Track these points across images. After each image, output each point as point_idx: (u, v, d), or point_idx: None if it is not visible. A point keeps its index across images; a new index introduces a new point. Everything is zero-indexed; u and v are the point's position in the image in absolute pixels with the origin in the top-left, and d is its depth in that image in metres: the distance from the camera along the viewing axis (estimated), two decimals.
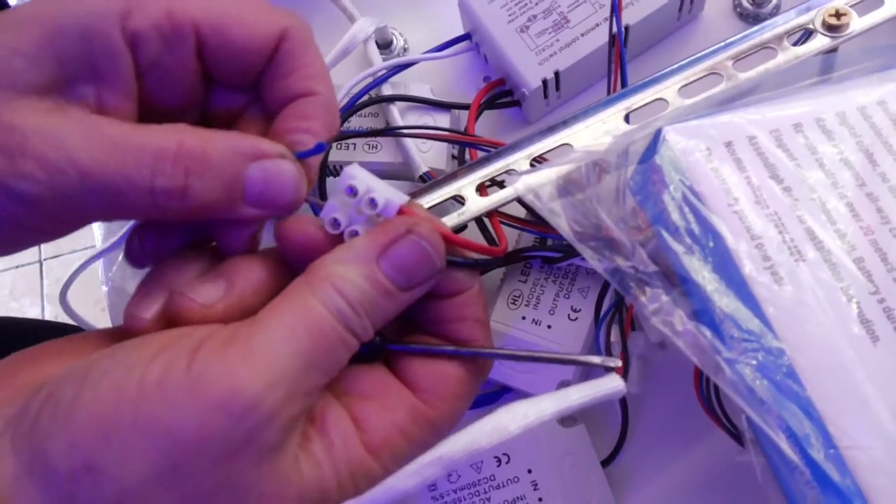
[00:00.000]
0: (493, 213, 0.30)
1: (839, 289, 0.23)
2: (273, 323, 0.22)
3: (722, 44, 0.32)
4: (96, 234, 0.43)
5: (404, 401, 0.24)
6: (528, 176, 0.27)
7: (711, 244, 0.24)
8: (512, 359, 0.27)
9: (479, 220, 0.31)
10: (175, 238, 0.26)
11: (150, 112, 0.25)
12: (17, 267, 1.35)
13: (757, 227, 0.24)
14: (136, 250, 0.26)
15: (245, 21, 0.25)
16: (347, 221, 0.25)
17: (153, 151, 0.22)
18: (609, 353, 0.30)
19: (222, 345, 0.21)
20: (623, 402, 0.32)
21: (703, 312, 0.24)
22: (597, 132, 0.31)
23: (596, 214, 0.26)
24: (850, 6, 0.32)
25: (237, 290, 0.24)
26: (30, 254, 1.35)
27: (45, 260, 1.35)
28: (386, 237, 0.24)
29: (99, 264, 0.42)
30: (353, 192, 0.25)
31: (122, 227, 0.39)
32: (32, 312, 1.30)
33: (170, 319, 0.24)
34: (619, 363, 0.26)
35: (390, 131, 0.35)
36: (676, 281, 0.25)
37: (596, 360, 0.26)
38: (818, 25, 0.31)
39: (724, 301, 0.23)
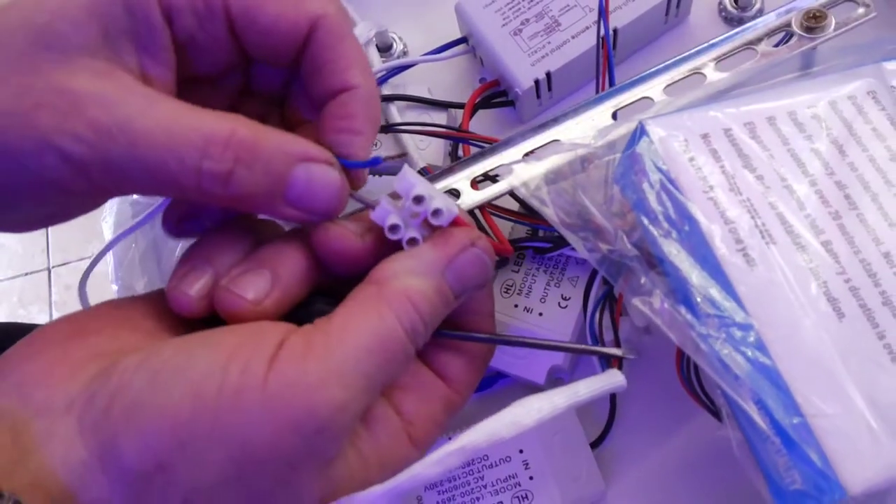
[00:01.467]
0: (487, 214, 0.32)
1: (807, 269, 0.25)
2: (349, 337, 0.22)
3: (705, 45, 0.33)
4: (107, 237, 0.45)
5: (439, 391, 0.26)
6: (518, 166, 0.28)
7: (687, 228, 0.26)
8: (533, 346, 0.29)
9: (476, 221, 0.33)
10: (215, 210, 0.26)
11: (188, 81, 0.25)
12: (26, 274, 1.37)
13: (730, 213, 0.26)
14: (173, 218, 0.26)
15: (274, 6, 0.25)
16: (404, 225, 0.26)
17: (206, 133, 0.23)
18: (601, 341, 0.32)
19: (300, 358, 0.21)
20: None
21: (680, 292, 0.25)
22: (586, 129, 0.32)
23: (581, 203, 0.28)
24: (827, 9, 0.33)
25: (283, 283, 0.25)
26: (38, 261, 1.37)
27: (53, 267, 1.37)
28: (454, 249, 0.25)
29: (109, 265, 0.43)
30: (419, 201, 0.25)
31: (130, 221, 0.41)
32: (41, 319, 1.32)
33: (215, 303, 0.24)
34: (638, 355, 0.28)
35: (390, 128, 0.37)
36: (656, 264, 0.26)
37: (617, 351, 0.28)
38: (796, 27, 0.33)
39: (698, 281, 0.25)
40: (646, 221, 0.26)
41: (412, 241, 0.26)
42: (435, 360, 0.27)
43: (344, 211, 0.26)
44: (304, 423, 0.21)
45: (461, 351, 0.27)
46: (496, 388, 0.35)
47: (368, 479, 0.23)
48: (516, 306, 0.35)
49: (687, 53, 0.33)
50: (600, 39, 0.34)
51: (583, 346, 0.30)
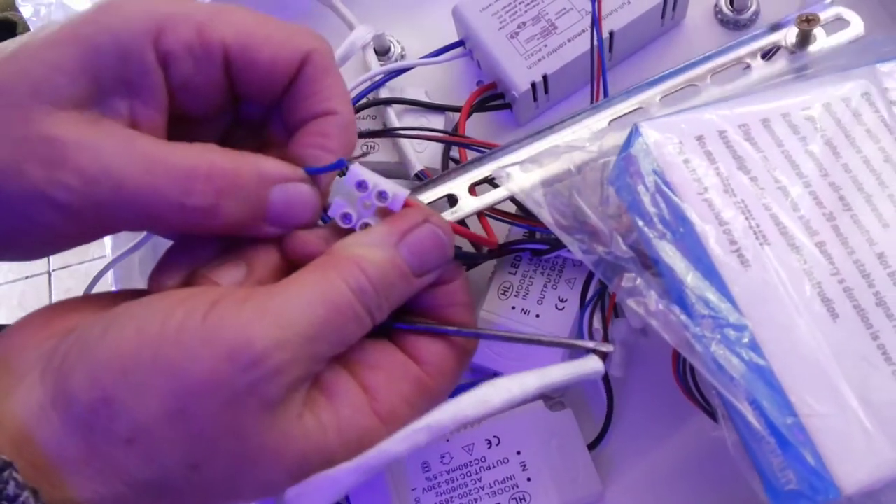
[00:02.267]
0: (481, 214, 0.32)
1: (801, 270, 0.25)
2: (292, 290, 0.23)
3: (700, 57, 0.33)
4: (107, 243, 0.45)
5: (410, 372, 0.26)
6: (514, 169, 0.29)
7: (682, 230, 0.26)
8: (508, 340, 0.29)
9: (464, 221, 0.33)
10: None
11: (179, 121, 0.27)
12: (27, 278, 1.37)
13: (725, 214, 0.26)
14: None
15: (272, 43, 0.26)
16: (357, 216, 0.27)
17: (185, 169, 0.24)
18: (592, 339, 0.32)
19: (239, 301, 0.23)
20: (608, 387, 0.34)
21: (674, 293, 0.25)
22: (583, 137, 0.33)
23: (577, 205, 0.28)
24: (820, 25, 0.33)
25: (257, 273, 0.26)
26: (39, 265, 1.37)
27: (53, 271, 1.37)
28: (405, 224, 0.26)
29: (109, 273, 0.43)
30: (362, 186, 0.26)
31: (132, 240, 0.41)
32: None
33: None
34: (612, 348, 0.28)
35: (387, 132, 0.37)
36: (651, 265, 0.26)
37: (590, 344, 0.27)
38: (788, 44, 0.33)
39: (693, 282, 0.25)
40: (640, 223, 0.26)
41: (364, 226, 0.27)
42: (409, 343, 0.27)
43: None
44: (239, 353, 0.21)
45: (439, 336, 0.27)
46: None
47: (328, 445, 0.23)
48: (513, 308, 0.35)
49: (682, 66, 0.33)
50: (594, 47, 0.34)
51: (556, 340, 0.29)
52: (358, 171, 0.27)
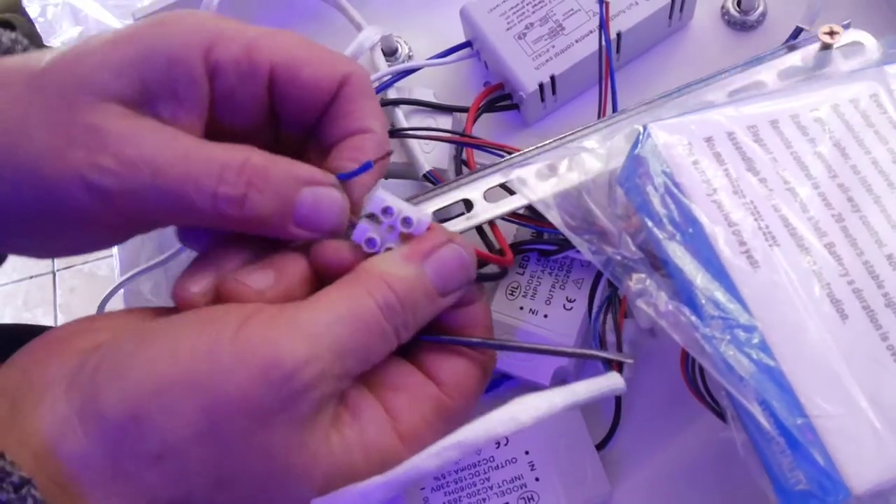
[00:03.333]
0: (494, 227, 0.32)
1: (811, 271, 0.25)
2: (321, 305, 0.24)
3: (716, 74, 0.33)
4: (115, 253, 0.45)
5: (430, 393, 0.26)
6: (523, 170, 0.29)
7: (691, 231, 0.26)
8: (531, 352, 0.29)
9: (479, 227, 0.33)
10: None
11: (218, 134, 0.27)
12: (31, 277, 1.38)
13: (734, 215, 0.26)
14: (188, 232, 0.28)
15: (314, 65, 0.27)
16: (381, 240, 0.27)
17: (221, 162, 0.25)
18: (603, 343, 0.32)
19: (269, 318, 0.23)
20: None
21: (684, 294, 0.25)
22: (612, 150, 0.32)
23: (586, 206, 0.28)
24: (836, 47, 0.33)
25: (286, 280, 0.26)
26: (43, 265, 1.38)
27: (58, 271, 1.37)
28: (430, 244, 0.26)
29: (115, 270, 0.44)
30: (387, 212, 0.27)
31: (141, 259, 0.41)
32: (45, 322, 1.32)
33: (220, 299, 0.26)
34: (632, 360, 0.29)
35: (396, 133, 0.37)
36: (660, 266, 0.26)
37: (613, 356, 0.28)
38: (805, 65, 0.33)
39: (703, 283, 0.25)
40: (650, 224, 0.26)
41: (370, 241, 0.27)
42: (428, 363, 0.27)
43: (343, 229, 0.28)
44: (271, 370, 0.22)
45: (457, 355, 0.28)
46: (501, 389, 0.35)
47: (353, 464, 0.24)
48: (521, 308, 0.35)
49: (698, 84, 0.33)
50: (602, 49, 0.34)
51: (580, 351, 0.30)
52: (382, 196, 0.27)
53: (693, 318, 0.25)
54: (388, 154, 0.29)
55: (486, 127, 0.40)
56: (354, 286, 0.25)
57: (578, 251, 0.29)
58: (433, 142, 0.37)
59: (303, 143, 0.30)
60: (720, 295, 0.25)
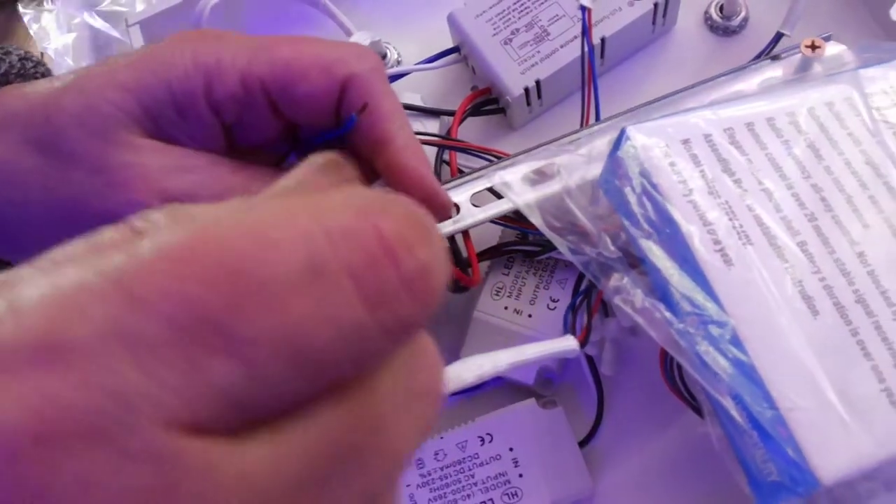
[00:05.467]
0: (469, 240, 0.33)
1: (783, 269, 0.26)
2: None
3: (698, 84, 0.34)
4: None
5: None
6: (505, 172, 0.29)
7: (668, 230, 0.26)
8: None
9: (451, 238, 0.34)
10: None
11: (239, 150, 0.28)
12: None
13: (709, 215, 0.26)
14: None
15: (309, 78, 0.27)
16: None
17: (256, 192, 0.26)
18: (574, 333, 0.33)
19: None
20: (598, 385, 0.34)
21: (660, 292, 0.26)
22: (593, 152, 0.33)
23: (567, 207, 0.28)
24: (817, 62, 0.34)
25: None
26: None
27: None
28: None
29: None
30: None
31: None
32: None
33: None
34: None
35: None
36: (638, 265, 0.27)
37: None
38: (786, 77, 0.34)
39: (678, 281, 0.26)
40: (628, 223, 0.27)
41: None
42: None
43: None
44: None
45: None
46: (486, 389, 0.36)
47: None
48: (506, 308, 0.35)
49: (679, 93, 0.34)
50: (584, 55, 0.35)
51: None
52: None
53: (668, 314, 0.25)
54: (417, 158, 0.28)
55: (474, 130, 0.41)
56: None
57: (561, 252, 0.30)
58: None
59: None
60: (695, 292, 0.25)
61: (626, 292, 0.26)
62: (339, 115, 0.28)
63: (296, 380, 0.11)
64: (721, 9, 0.41)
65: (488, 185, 0.33)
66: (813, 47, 0.33)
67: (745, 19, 0.41)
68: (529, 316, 0.35)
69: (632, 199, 0.27)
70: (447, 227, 0.33)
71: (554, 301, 0.35)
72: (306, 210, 0.11)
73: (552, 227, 0.28)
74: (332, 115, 0.28)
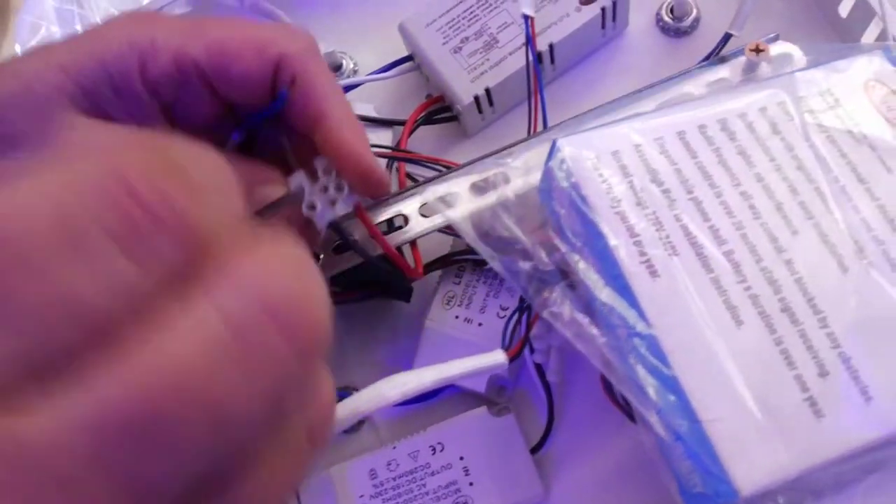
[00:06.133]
0: (415, 249, 0.33)
1: (708, 279, 0.26)
2: None
3: (645, 88, 0.34)
4: None
5: None
6: (439, 185, 0.29)
7: (596, 242, 0.27)
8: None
9: (400, 251, 0.34)
10: None
11: (182, 131, 0.28)
12: None
13: (636, 227, 0.27)
14: None
15: (242, 57, 0.27)
16: (308, 193, 0.27)
17: None
18: (531, 346, 0.33)
19: None
20: (548, 393, 0.34)
21: (588, 304, 0.26)
22: (530, 162, 0.34)
23: (501, 219, 0.29)
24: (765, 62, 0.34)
25: None
26: None
27: None
28: None
29: None
30: (327, 171, 0.27)
31: None
32: None
33: None
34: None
35: None
36: (569, 277, 0.27)
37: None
38: (735, 78, 0.34)
39: (604, 293, 0.26)
40: (557, 238, 0.27)
41: (311, 206, 0.27)
42: None
43: None
44: None
45: None
46: (439, 397, 0.36)
47: None
48: (457, 317, 0.36)
49: (626, 96, 0.34)
50: (529, 65, 0.35)
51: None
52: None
53: (594, 329, 0.25)
54: (354, 133, 0.28)
55: (428, 139, 0.41)
56: None
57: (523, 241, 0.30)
58: None
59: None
60: (620, 305, 0.25)
61: (555, 305, 0.27)
62: (274, 95, 0.28)
63: (68, 338, 0.11)
64: (672, 10, 0.41)
65: (431, 198, 0.33)
66: (758, 50, 0.33)
67: (697, 20, 0.41)
68: (480, 325, 0.35)
69: (562, 211, 0.27)
70: (398, 237, 0.33)
71: (504, 309, 0.35)
72: (57, 173, 0.11)
73: (487, 240, 0.29)
74: (267, 95, 0.28)
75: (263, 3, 0.42)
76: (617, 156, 0.28)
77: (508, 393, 0.36)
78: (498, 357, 0.27)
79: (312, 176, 0.27)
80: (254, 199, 0.27)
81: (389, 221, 0.36)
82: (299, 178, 0.27)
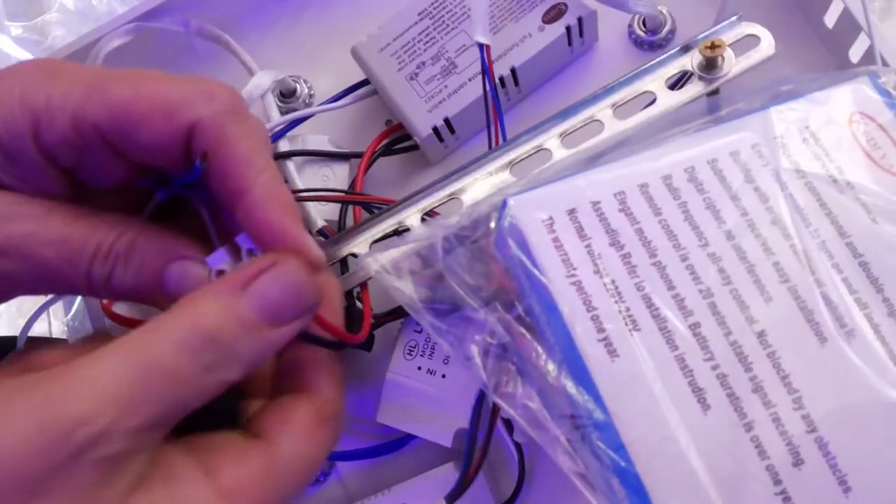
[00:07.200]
0: (365, 292, 0.31)
1: (672, 357, 0.24)
2: (111, 352, 0.21)
3: (602, 90, 0.32)
4: None
5: (259, 449, 0.24)
6: (381, 254, 0.27)
7: (549, 316, 0.24)
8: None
9: (349, 296, 0.32)
10: None
11: (92, 192, 0.26)
12: None
13: (594, 299, 0.24)
14: None
15: (148, 123, 0.24)
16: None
17: (94, 243, 0.24)
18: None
19: (51, 374, 0.21)
20: (519, 451, 0.33)
21: (539, 387, 0.24)
22: (484, 185, 0.31)
23: (449, 289, 0.26)
24: (728, 45, 0.31)
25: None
26: None
27: None
28: (251, 270, 0.23)
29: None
30: (254, 252, 0.25)
31: None
32: (39, 329, 1.33)
33: None
34: None
35: None
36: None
37: None
38: (695, 68, 0.31)
39: (556, 376, 0.24)
40: (505, 310, 0.25)
41: (220, 273, 0.25)
42: (253, 426, 0.25)
43: None
44: (44, 433, 0.20)
45: (291, 405, 0.25)
46: (405, 449, 0.35)
47: None
48: (419, 368, 0.34)
49: (582, 100, 0.32)
50: (487, 94, 0.32)
51: None
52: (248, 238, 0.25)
53: (548, 417, 0.23)
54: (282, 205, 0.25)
55: (390, 168, 0.39)
56: (156, 328, 0.22)
57: (475, 309, 0.28)
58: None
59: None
60: (575, 390, 0.23)
61: (508, 385, 0.24)
62: (190, 164, 0.25)
63: None
64: (644, 23, 0.38)
65: (388, 231, 0.31)
66: (712, 47, 0.31)
67: (672, 32, 0.38)
68: (443, 376, 0.33)
69: (514, 280, 0.25)
70: (348, 280, 0.31)
71: (468, 360, 0.33)
72: None
73: (434, 310, 0.26)
74: (181, 162, 0.25)
75: (210, 27, 0.39)
76: (573, 215, 0.26)
77: (478, 442, 0.34)
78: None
79: (236, 253, 0.25)
80: (169, 277, 0.25)
81: (343, 261, 0.34)
82: (220, 257, 0.25)
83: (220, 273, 0.25)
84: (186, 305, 0.23)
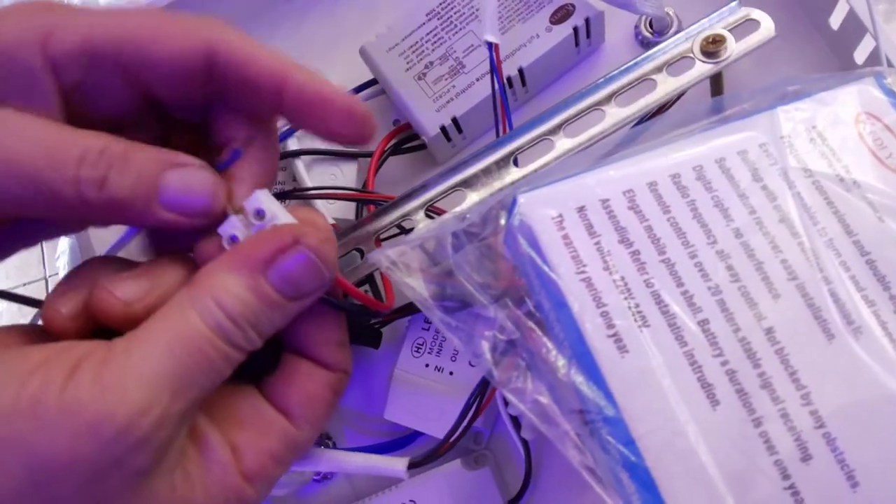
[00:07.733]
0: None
1: (681, 353, 0.24)
2: (150, 340, 0.22)
3: (602, 79, 0.32)
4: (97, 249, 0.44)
5: (278, 428, 0.25)
6: (391, 251, 0.27)
7: (560, 313, 0.25)
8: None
9: (370, 275, 0.32)
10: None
11: (84, 123, 0.25)
12: (25, 284, 1.38)
13: (603, 295, 0.24)
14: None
15: (165, 40, 0.24)
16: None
17: (83, 146, 0.23)
18: (505, 399, 0.31)
19: (99, 365, 0.21)
20: (525, 447, 0.33)
21: (548, 382, 0.24)
22: (489, 177, 0.32)
23: (459, 286, 0.27)
24: (728, 30, 0.32)
25: (159, 291, 0.24)
26: (35, 271, 1.38)
27: (49, 277, 1.38)
28: (273, 246, 0.24)
29: None
30: (259, 214, 0.25)
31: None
32: None
33: (90, 317, 0.24)
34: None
35: (294, 193, 0.36)
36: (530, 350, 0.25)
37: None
38: (697, 53, 0.32)
39: (566, 372, 0.24)
40: (517, 307, 0.25)
41: (233, 241, 0.25)
42: (274, 393, 0.26)
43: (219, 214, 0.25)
44: (102, 427, 0.20)
45: (307, 379, 0.26)
46: (413, 446, 0.35)
47: (193, 501, 0.23)
48: (427, 366, 0.34)
49: (583, 90, 0.32)
50: (496, 94, 0.32)
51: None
52: (259, 198, 0.25)
53: (560, 416, 0.24)
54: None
55: (398, 168, 0.39)
56: (184, 308, 0.23)
57: (484, 306, 0.28)
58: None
59: (207, 126, 0.27)
60: (585, 386, 0.24)
61: (517, 381, 0.25)
62: (208, 87, 0.25)
63: None
64: (651, 24, 0.38)
65: (393, 224, 0.31)
66: (715, 42, 0.31)
67: (679, 31, 0.38)
68: (451, 373, 0.34)
69: (525, 277, 0.25)
70: (354, 272, 0.31)
71: (477, 357, 0.33)
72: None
73: (444, 308, 0.27)
74: (195, 89, 0.25)
75: None
76: (583, 213, 0.26)
77: (485, 439, 0.35)
78: (398, 469, 0.26)
79: (245, 218, 0.25)
80: (167, 184, 0.24)
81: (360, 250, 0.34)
82: (233, 227, 0.25)
83: (233, 238, 0.25)
84: (209, 282, 0.23)
